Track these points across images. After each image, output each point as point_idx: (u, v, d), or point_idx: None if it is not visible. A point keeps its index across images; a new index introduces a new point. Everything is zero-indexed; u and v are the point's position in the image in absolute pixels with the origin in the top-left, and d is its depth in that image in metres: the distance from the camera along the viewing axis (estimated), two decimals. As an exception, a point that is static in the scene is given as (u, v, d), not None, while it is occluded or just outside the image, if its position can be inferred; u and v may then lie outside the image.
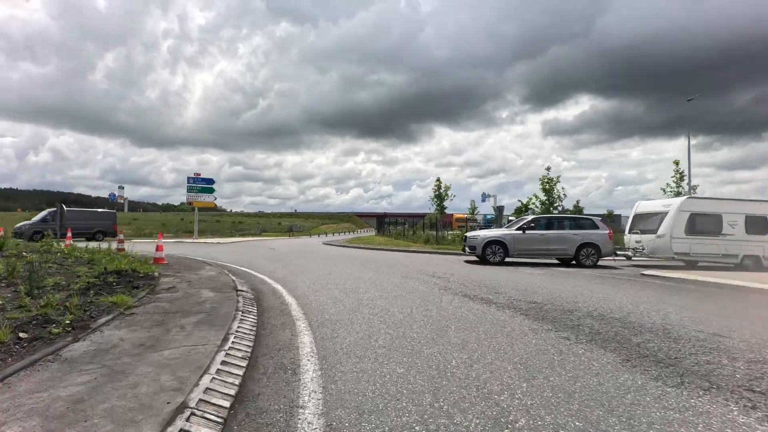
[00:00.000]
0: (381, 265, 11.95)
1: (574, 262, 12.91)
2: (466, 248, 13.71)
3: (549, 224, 13.34)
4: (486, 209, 37.70)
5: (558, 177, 22.98)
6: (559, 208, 22.87)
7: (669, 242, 12.54)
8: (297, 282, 8.38)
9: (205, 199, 29.55)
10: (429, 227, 34.45)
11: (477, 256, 13.11)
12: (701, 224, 12.75)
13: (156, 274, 7.73)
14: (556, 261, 13.75)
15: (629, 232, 14.37)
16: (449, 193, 28.70)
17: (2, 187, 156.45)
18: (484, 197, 38.20)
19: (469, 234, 14.45)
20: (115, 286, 5.88)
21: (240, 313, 4.75)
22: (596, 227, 13.14)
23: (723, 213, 12.88)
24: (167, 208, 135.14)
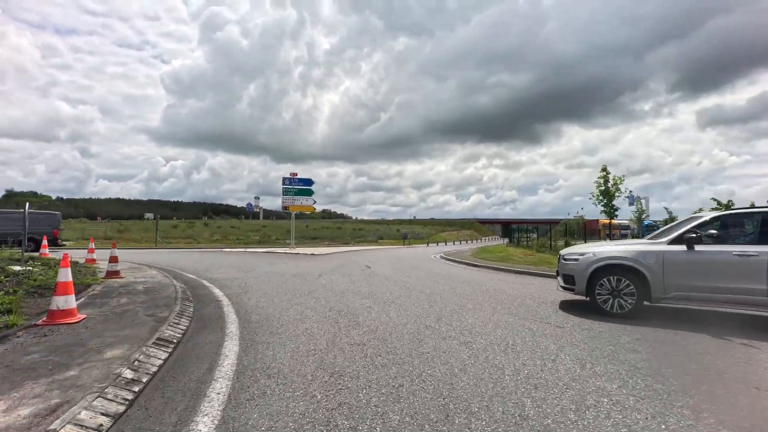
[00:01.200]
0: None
1: None
2: (560, 279, 7.01)
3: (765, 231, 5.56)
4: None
5: None
6: None
7: None
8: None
9: (303, 202, 26.76)
10: (564, 235, 27.11)
11: (581, 295, 6.57)
12: None
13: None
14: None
15: None
16: (622, 188, 19.44)
17: (172, 200, 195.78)
18: (632, 199, 29.01)
19: (564, 252, 7.15)
20: None
21: None
22: None
23: None
24: (299, 215, 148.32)
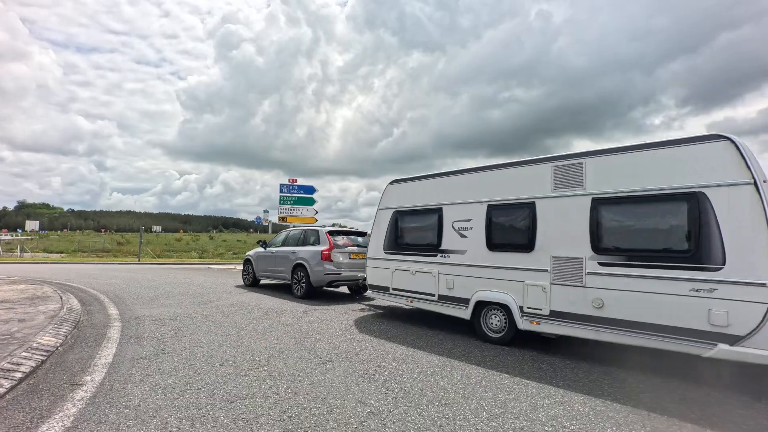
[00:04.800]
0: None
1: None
2: None
3: (297, 238, 10.45)
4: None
5: None
6: None
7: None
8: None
9: (303, 213, 22.36)
10: None
11: None
12: (412, 230, 7.08)
13: None
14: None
15: None
16: None
17: (183, 213, 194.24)
18: None
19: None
20: None
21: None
22: (317, 242, 9.60)
23: (446, 204, 6.51)
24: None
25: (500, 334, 5.60)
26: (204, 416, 3.07)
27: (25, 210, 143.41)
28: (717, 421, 3.29)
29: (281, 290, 10.70)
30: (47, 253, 36.23)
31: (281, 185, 23.20)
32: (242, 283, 12.14)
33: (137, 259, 28.82)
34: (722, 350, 3.83)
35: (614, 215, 4.73)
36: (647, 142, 4.61)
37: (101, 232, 78.38)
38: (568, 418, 3.25)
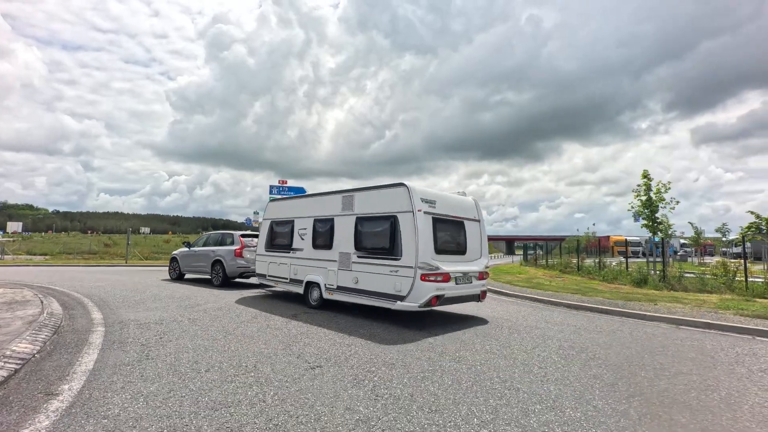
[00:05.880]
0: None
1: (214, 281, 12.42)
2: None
3: (215, 240, 13.20)
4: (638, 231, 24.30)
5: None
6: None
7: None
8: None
9: None
10: (578, 252, 23.54)
11: None
12: (279, 235, 9.88)
13: None
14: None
15: None
16: (667, 197, 15.55)
17: (172, 215, 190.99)
18: (637, 217, 25.77)
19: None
20: None
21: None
22: (232, 243, 12.36)
23: (296, 217, 9.49)
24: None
25: (316, 303, 8.42)
26: (187, 425, 2.96)
27: (7, 211, 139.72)
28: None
29: (202, 282, 13.22)
30: (30, 255, 35.29)
31: (271, 187, 23.13)
32: (168, 277, 14.40)
33: (124, 261, 28.30)
34: (398, 305, 6.69)
35: (363, 227, 7.56)
36: (379, 184, 7.53)
37: (88, 233, 76.86)
38: (559, 423, 3.20)
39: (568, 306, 9.76)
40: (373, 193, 7.61)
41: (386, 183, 7.36)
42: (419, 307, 6.50)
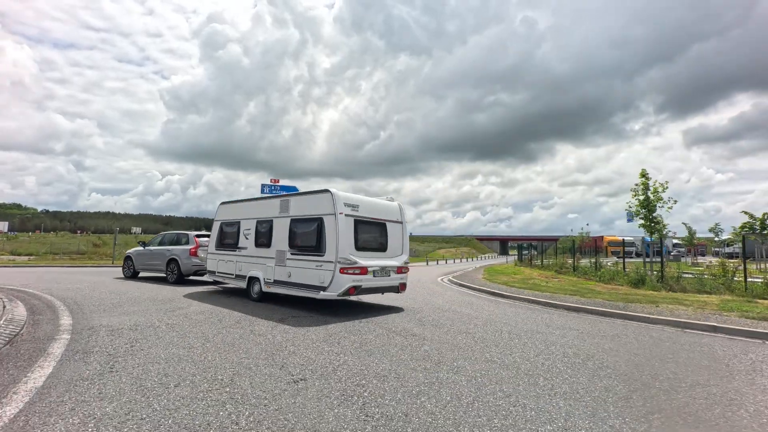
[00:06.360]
0: None
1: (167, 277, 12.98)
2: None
3: (170, 240, 13.69)
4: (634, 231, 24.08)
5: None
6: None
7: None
8: None
9: None
10: (573, 252, 23.30)
11: None
12: (227, 235, 10.62)
13: None
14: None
15: None
16: (664, 197, 15.15)
17: (165, 215, 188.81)
18: (630, 217, 25.72)
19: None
20: None
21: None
22: (187, 243, 12.93)
23: (242, 219, 10.32)
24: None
25: (257, 296, 9.17)
26: None
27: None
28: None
29: (157, 280, 13.63)
30: (14, 255, 34.27)
31: (263, 186, 22.65)
32: (122, 275, 14.65)
33: (111, 262, 27.58)
34: (322, 294, 7.53)
35: (296, 228, 8.47)
36: (310, 190, 8.69)
37: (77, 233, 75.43)
38: (574, 448, 2.79)
39: (568, 308, 9.40)
40: (304, 198, 8.67)
41: (315, 189, 8.44)
42: (338, 296, 7.46)
